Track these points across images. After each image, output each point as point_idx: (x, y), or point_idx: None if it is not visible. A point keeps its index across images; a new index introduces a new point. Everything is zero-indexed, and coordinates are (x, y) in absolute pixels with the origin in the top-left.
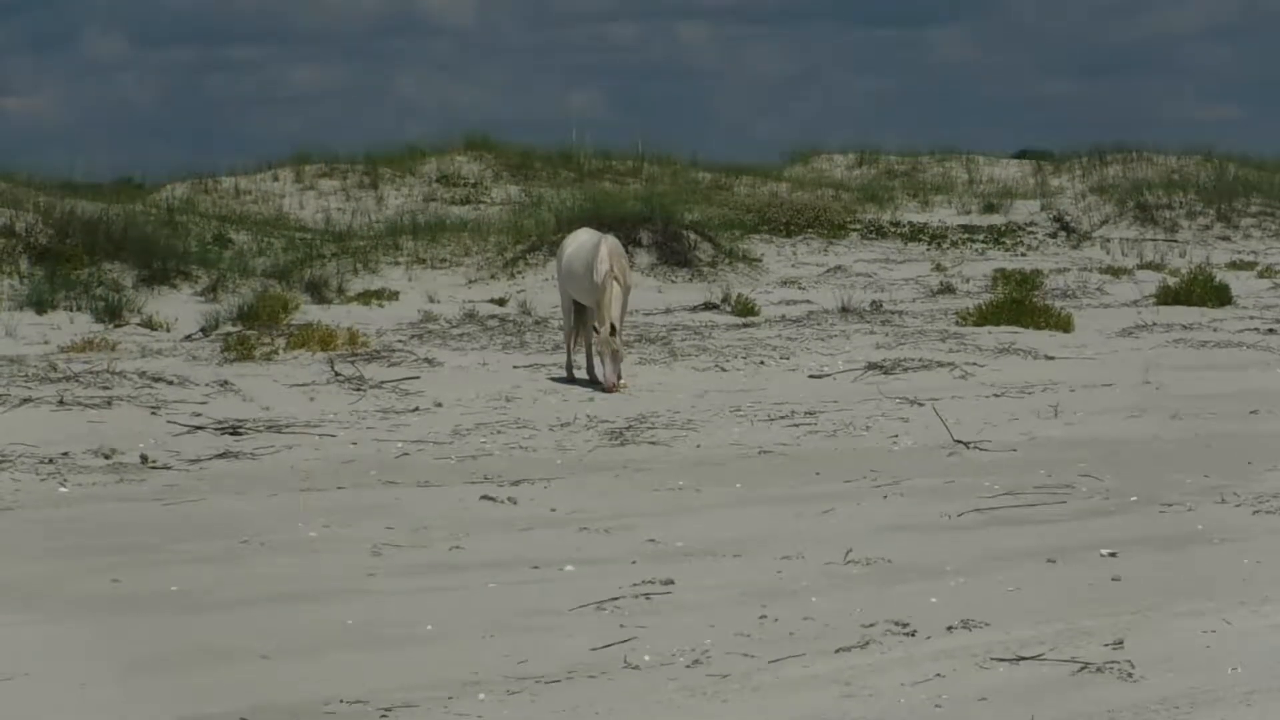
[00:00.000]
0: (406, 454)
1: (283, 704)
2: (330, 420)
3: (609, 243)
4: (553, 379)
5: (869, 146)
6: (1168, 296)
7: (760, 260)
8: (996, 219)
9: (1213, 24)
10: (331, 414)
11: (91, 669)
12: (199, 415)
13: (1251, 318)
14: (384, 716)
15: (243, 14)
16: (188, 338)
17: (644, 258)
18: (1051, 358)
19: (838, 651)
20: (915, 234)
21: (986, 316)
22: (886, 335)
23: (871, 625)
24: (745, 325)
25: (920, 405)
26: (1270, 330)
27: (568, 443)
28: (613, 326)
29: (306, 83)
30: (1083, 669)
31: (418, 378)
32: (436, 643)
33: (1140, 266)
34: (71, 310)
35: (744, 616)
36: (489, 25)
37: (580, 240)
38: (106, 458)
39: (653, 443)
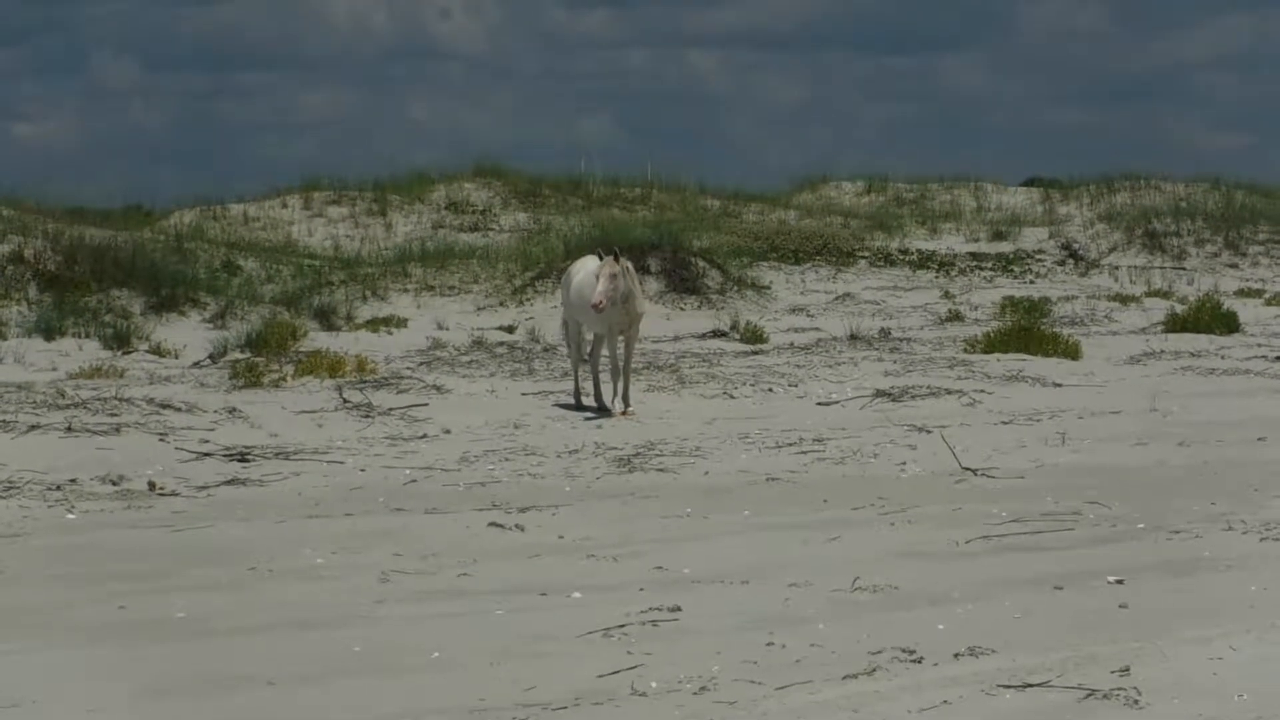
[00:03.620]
0: (414, 481)
1: None
2: (338, 447)
3: (623, 261)
4: (560, 406)
5: (878, 174)
6: (1175, 324)
7: (769, 288)
8: (1005, 246)
9: (1221, 52)
10: (340, 441)
11: (98, 696)
12: (207, 442)
13: (1259, 345)
14: None
15: (252, 40)
16: (196, 364)
17: (653, 285)
18: (1059, 385)
19: (845, 679)
20: (924, 261)
21: (995, 344)
22: (895, 363)
23: (879, 652)
24: (754, 352)
25: (928, 432)
26: (1278, 358)
27: (576, 470)
28: (616, 254)
29: (316, 109)
30: (1089, 696)
31: (426, 405)
32: (444, 669)
33: (1148, 294)
34: (80, 337)
35: (751, 643)
36: (499, 51)
37: (589, 267)
38: (114, 484)
39: (661, 470)
